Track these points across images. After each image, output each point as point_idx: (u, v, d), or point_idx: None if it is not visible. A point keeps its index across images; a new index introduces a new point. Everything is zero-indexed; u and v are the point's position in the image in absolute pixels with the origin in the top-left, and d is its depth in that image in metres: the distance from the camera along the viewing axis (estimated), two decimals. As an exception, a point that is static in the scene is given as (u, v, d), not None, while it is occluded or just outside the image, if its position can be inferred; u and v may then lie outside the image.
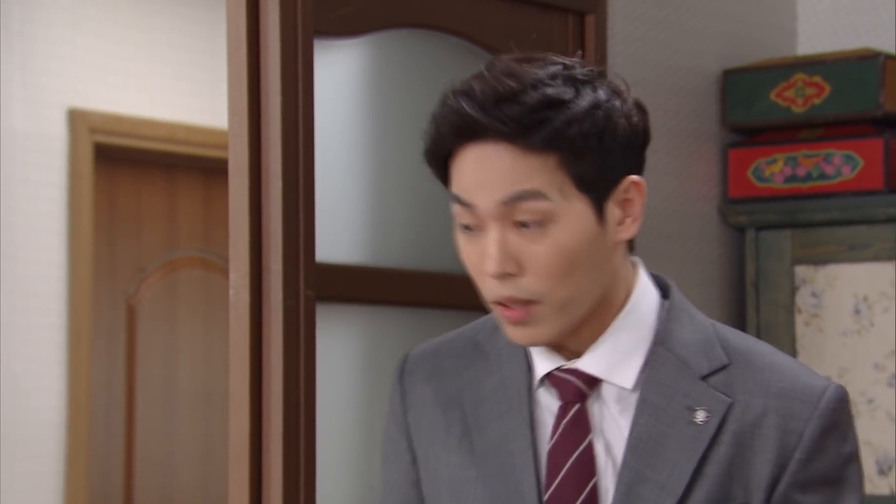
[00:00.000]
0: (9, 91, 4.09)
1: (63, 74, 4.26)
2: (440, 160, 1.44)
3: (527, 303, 1.41)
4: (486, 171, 1.40)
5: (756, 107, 3.44)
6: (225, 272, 4.81)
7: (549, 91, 1.40)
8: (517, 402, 1.47)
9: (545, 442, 1.46)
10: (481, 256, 1.41)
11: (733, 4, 3.52)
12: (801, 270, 3.41)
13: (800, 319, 3.41)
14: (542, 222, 1.40)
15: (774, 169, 3.44)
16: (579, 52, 1.50)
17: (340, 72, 2.74)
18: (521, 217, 1.40)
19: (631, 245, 1.49)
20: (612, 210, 1.44)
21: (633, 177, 1.47)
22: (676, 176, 3.40)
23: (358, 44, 2.76)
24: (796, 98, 3.41)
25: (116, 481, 4.59)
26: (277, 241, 2.57)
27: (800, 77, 3.41)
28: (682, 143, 3.42)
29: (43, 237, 4.19)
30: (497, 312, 1.43)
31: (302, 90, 2.59)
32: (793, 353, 3.41)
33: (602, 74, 1.47)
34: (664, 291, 1.50)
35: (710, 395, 1.43)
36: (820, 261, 3.39)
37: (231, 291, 2.61)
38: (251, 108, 2.59)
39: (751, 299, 3.44)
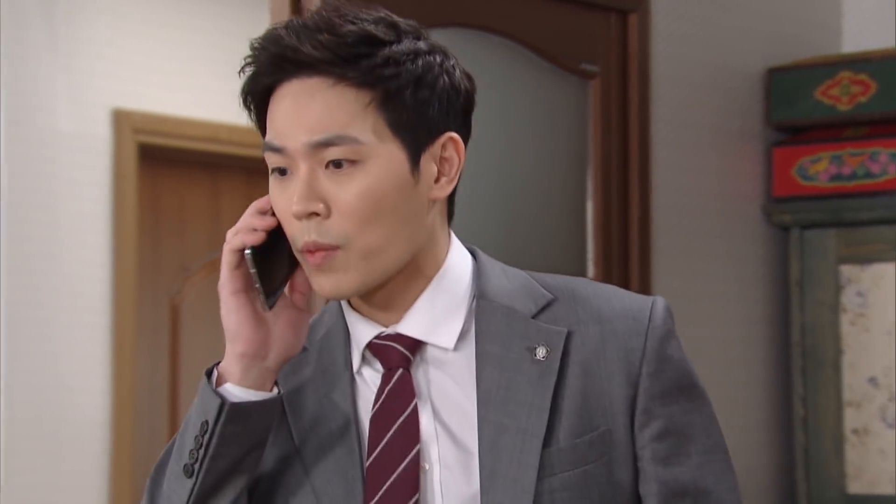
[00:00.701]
0: (54, 92, 4.12)
1: (107, 75, 4.28)
2: (257, 99, 1.42)
3: (330, 248, 1.38)
4: (299, 109, 1.38)
5: (800, 105, 3.43)
6: (267, 271, 4.84)
7: (370, 28, 1.39)
8: (336, 380, 1.44)
9: (368, 414, 1.43)
10: (290, 200, 1.39)
11: (778, 2, 3.50)
12: (847, 269, 3.39)
13: (845, 319, 3.39)
14: (353, 163, 1.38)
15: (819, 167, 3.42)
16: (413, 20, 1.45)
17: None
18: (332, 157, 1.38)
19: (451, 213, 1.47)
20: (428, 164, 1.41)
21: (453, 134, 1.43)
22: (720, 175, 3.39)
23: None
24: (841, 96, 3.39)
25: (160, 479, 4.62)
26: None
27: (845, 75, 3.39)
28: (726, 142, 3.40)
29: (88, 237, 4.21)
30: (304, 261, 1.40)
31: (345, 90, 2.60)
32: (837, 352, 3.39)
33: (428, 33, 1.45)
34: (472, 255, 1.49)
35: (546, 331, 1.43)
36: (865, 260, 3.37)
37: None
38: (294, 107, 2.61)
39: (795, 298, 3.42)
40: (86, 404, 4.16)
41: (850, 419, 3.36)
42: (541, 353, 1.42)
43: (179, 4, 4.50)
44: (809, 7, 3.58)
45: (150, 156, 4.45)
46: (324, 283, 1.39)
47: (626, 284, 3.15)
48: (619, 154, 3.16)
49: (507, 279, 1.47)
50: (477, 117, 1.47)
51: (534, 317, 1.44)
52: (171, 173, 4.68)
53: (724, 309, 3.37)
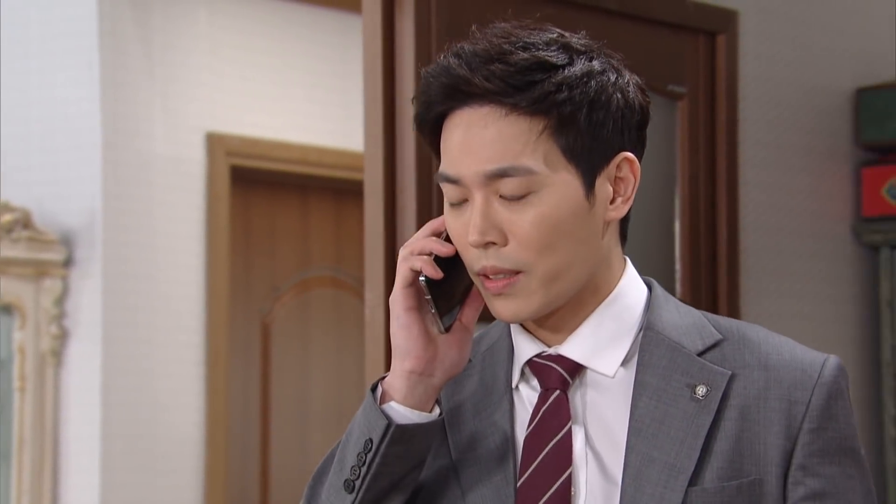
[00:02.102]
0: (150, 116, 4.19)
1: (202, 100, 4.34)
2: (430, 126, 1.41)
3: (510, 273, 1.37)
4: (472, 139, 1.36)
5: (890, 125, 3.40)
6: (355, 291, 4.88)
7: (541, 54, 1.36)
8: (495, 397, 1.43)
9: (524, 433, 1.41)
10: (466, 227, 1.38)
11: (867, 22, 3.48)
12: (938, 289, 3.36)
13: (937, 339, 3.35)
14: (527, 192, 1.36)
15: (910, 187, 3.39)
16: (583, 32, 1.43)
17: (473, 94, 2.76)
18: (506, 187, 1.37)
19: (624, 235, 1.45)
20: (604, 186, 1.39)
21: (628, 154, 1.40)
22: (810, 195, 3.37)
23: (490, 66, 2.79)
24: (932, 115, 3.37)
25: (252, 496, 4.65)
26: (412, 260, 2.60)
27: (935, 94, 3.36)
28: (814, 162, 3.39)
29: (182, 258, 4.26)
30: (481, 286, 1.40)
31: (436, 113, 2.62)
32: (929, 373, 3.35)
33: (601, 48, 1.41)
34: (648, 287, 1.47)
35: (709, 370, 1.39)
36: (957, 280, 3.33)
37: (367, 311, 2.64)
38: (386, 130, 2.63)
39: (885, 318, 3.39)
40: (180, 422, 4.20)
41: (943, 440, 3.32)
42: (701, 391, 1.39)
43: (273, 31, 4.56)
44: (899, 26, 3.55)
45: (242, 178, 4.49)
46: (503, 308, 1.39)
47: (714, 305, 3.14)
48: (706, 174, 3.15)
49: (679, 315, 1.44)
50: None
51: (699, 354, 1.41)
52: (263, 195, 4.72)
53: (814, 329, 3.35)
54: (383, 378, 1.42)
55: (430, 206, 2.62)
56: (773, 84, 3.29)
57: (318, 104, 4.59)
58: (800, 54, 3.35)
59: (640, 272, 1.44)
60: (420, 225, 2.62)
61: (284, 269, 4.76)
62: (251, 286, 4.67)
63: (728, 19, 3.17)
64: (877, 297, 3.44)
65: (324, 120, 4.60)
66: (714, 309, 3.13)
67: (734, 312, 3.15)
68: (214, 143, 4.35)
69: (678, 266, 3.13)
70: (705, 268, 3.16)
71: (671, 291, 3.10)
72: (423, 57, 2.62)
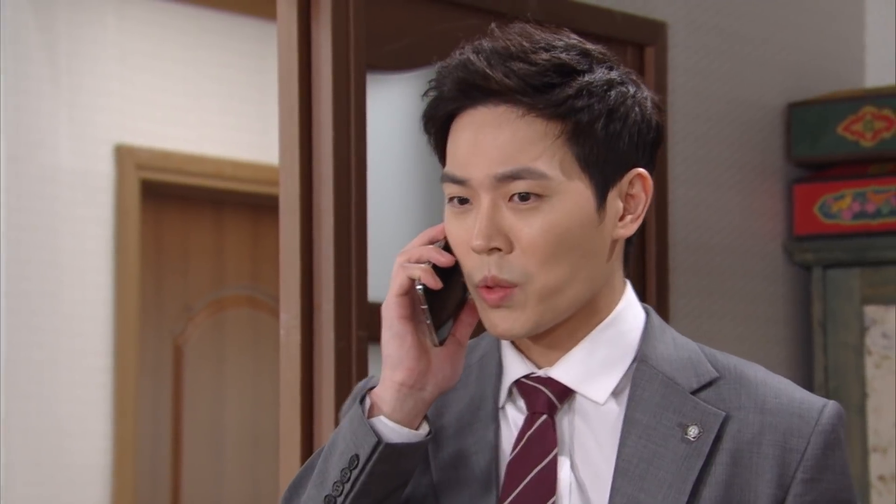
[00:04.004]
0: (55, 127, 4.13)
1: (110, 110, 4.29)
2: (439, 124, 1.37)
3: (509, 285, 1.33)
4: (483, 139, 1.33)
5: (823, 141, 3.37)
6: (272, 311, 4.80)
7: (563, 56, 1.34)
8: (482, 415, 1.40)
9: (507, 456, 1.38)
10: (469, 232, 1.34)
11: (798, 35, 3.45)
12: (871, 310, 3.33)
13: (870, 361, 3.32)
14: (539, 197, 1.33)
15: (842, 205, 3.36)
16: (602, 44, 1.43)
17: (393, 106, 2.70)
18: (517, 190, 1.33)
19: (627, 257, 1.41)
20: (614, 201, 1.36)
21: (641, 170, 1.37)
22: (740, 212, 3.33)
23: (410, 78, 2.73)
24: (865, 132, 3.33)
25: (163, 525, 4.58)
26: (329, 280, 2.56)
27: (868, 110, 3.33)
28: (745, 179, 3.35)
29: (89, 276, 4.20)
30: (478, 297, 1.36)
31: (354, 125, 2.57)
32: (862, 395, 3.33)
33: (618, 61, 1.40)
34: (645, 313, 1.43)
35: (702, 410, 1.36)
36: (890, 300, 3.32)
37: (282, 332, 2.59)
38: (303, 143, 2.59)
39: (818, 340, 3.36)
40: (86, 448, 4.14)
41: (876, 466, 3.29)
42: (693, 432, 1.35)
43: (184, 39, 4.51)
44: (831, 41, 3.52)
45: (153, 192, 4.45)
46: (498, 321, 1.35)
47: (643, 325, 3.08)
48: (636, 191, 3.10)
49: (675, 348, 1.40)
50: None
51: (693, 392, 1.37)
52: (175, 210, 4.66)
53: (745, 350, 3.29)
54: (372, 388, 1.37)
55: (348, 223, 2.56)
56: (702, 98, 3.25)
57: (233, 115, 4.55)
58: (730, 68, 3.31)
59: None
60: (337, 243, 2.56)
61: (198, 288, 4.71)
62: (162, 306, 4.59)
63: (657, 31, 3.13)
64: (809, 318, 3.41)
65: (239, 132, 4.56)
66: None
67: (664, 334, 3.09)
68: (124, 155, 4.28)
69: (606, 286, 3.06)
70: (634, 287, 3.09)
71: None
72: (340, 67, 2.56)
